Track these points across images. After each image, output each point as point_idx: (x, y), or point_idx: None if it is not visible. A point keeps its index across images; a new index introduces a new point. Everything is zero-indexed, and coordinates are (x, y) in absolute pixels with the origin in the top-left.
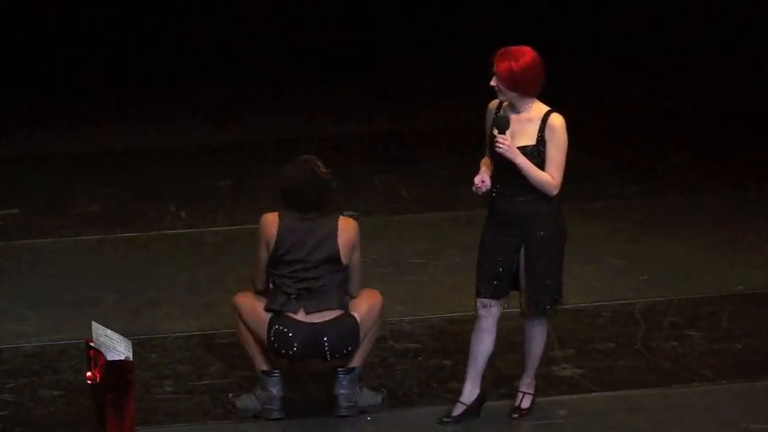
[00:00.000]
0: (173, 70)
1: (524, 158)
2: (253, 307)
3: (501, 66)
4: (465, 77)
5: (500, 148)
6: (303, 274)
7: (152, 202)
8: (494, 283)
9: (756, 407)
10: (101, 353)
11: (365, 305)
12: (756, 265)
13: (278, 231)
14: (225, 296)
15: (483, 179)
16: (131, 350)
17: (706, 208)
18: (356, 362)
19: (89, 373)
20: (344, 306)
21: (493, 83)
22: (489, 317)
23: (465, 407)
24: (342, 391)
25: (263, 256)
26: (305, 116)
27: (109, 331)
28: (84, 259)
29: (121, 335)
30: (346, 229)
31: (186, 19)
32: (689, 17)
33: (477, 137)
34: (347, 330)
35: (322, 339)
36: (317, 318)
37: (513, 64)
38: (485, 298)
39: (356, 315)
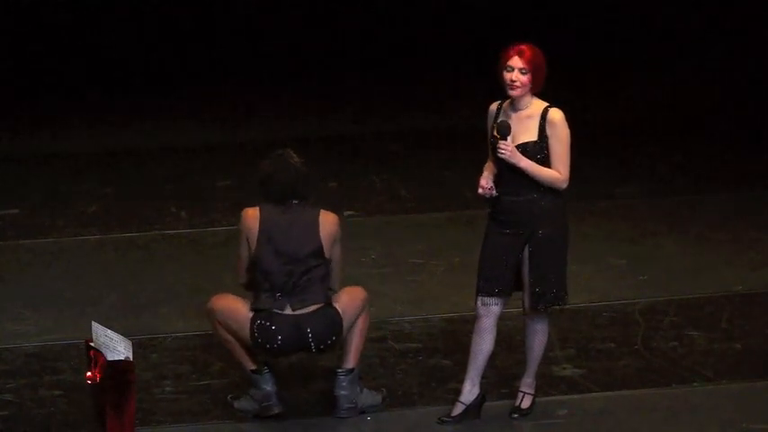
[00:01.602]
0: (173, 71)
1: (527, 161)
2: (232, 308)
3: (524, 57)
4: (465, 77)
5: (502, 154)
6: (287, 267)
7: (152, 202)
8: (495, 282)
9: (756, 407)
10: (101, 353)
11: (346, 297)
12: (756, 265)
13: (260, 225)
14: None
15: (489, 184)
16: (131, 350)
17: (706, 208)
18: (351, 362)
19: (89, 373)
20: (327, 299)
21: (514, 77)
22: (489, 316)
23: (464, 406)
24: (342, 392)
25: (244, 252)
26: (305, 116)
27: (109, 331)
28: (84, 259)
29: (121, 335)
30: (327, 223)
31: (186, 20)
32: (691, 17)
33: (477, 137)
34: (330, 321)
35: (305, 331)
36: (300, 311)
37: (535, 55)
38: (486, 296)
39: (337, 306)
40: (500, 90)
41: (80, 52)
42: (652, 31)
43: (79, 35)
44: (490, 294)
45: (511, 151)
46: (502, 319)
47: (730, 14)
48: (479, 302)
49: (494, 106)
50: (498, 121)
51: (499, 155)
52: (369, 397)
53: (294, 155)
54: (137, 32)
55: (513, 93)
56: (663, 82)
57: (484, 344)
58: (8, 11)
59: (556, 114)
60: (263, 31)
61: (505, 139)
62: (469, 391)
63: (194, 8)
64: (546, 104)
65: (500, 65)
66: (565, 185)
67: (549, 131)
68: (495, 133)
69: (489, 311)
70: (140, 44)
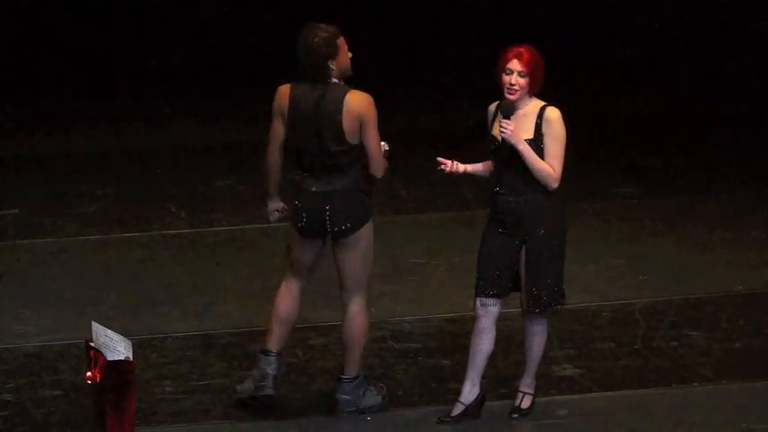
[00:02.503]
0: (173, 71)
1: (526, 145)
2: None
3: (523, 60)
4: (465, 77)
5: (504, 131)
6: (314, 147)
7: (152, 202)
8: (493, 283)
9: (756, 407)
10: (101, 353)
11: None
12: (756, 265)
13: (289, 102)
14: (225, 296)
15: (455, 164)
16: (131, 350)
17: (706, 208)
18: (355, 370)
19: (89, 373)
20: (356, 184)
21: (513, 80)
22: (488, 316)
23: (464, 407)
24: (344, 397)
25: (279, 129)
26: None
27: (109, 331)
28: (84, 259)
29: (121, 335)
30: (351, 101)
31: (186, 20)
32: (691, 17)
33: (477, 137)
34: (352, 205)
35: (324, 207)
36: (322, 189)
37: (533, 57)
38: (484, 297)
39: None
40: (500, 90)
41: (80, 52)
42: (652, 31)
43: (79, 35)
44: (488, 295)
45: (512, 131)
46: (501, 319)
47: (730, 14)
48: (478, 303)
49: (492, 106)
50: (504, 101)
51: (501, 133)
52: (369, 397)
53: (319, 32)
54: (137, 32)
55: (510, 97)
56: (663, 82)
57: (483, 344)
58: (8, 11)
59: (552, 113)
60: (263, 31)
61: (509, 119)
62: (469, 392)
63: (194, 8)
64: (543, 103)
65: (499, 67)
66: (555, 185)
67: (545, 129)
68: (500, 113)
69: (488, 312)
70: (140, 44)
